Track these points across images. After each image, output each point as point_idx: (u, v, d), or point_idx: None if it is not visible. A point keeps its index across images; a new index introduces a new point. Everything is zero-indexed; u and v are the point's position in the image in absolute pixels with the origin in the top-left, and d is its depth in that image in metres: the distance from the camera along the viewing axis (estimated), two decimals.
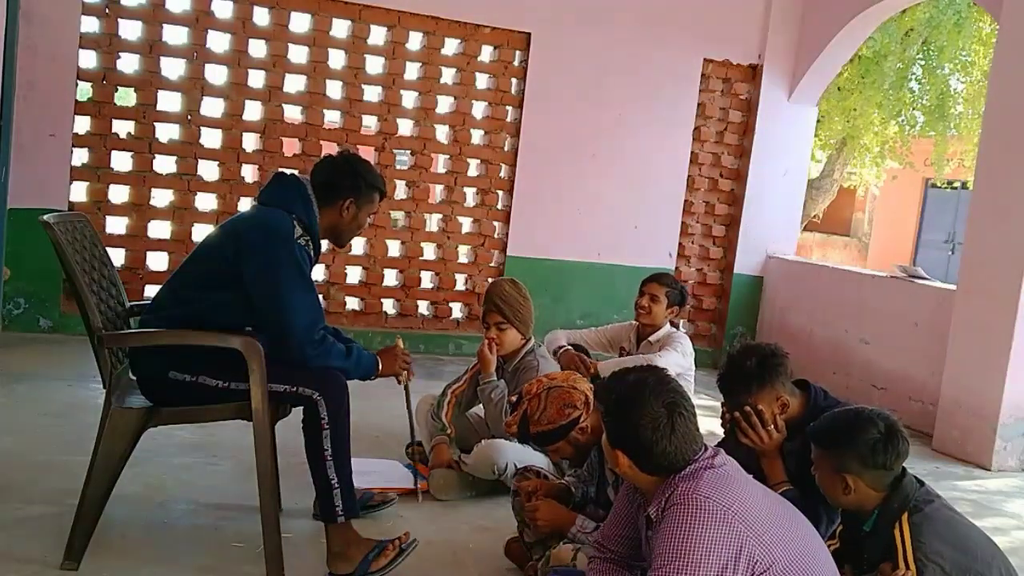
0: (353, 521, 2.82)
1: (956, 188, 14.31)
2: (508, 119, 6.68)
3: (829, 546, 2.33)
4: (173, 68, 5.95)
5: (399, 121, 6.46)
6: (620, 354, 4.42)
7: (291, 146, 6.30)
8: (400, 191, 6.66)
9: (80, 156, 5.81)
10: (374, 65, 6.36)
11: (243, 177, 6.18)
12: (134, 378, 2.86)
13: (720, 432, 2.84)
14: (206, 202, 6.20)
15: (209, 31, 5.96)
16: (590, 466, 3.01)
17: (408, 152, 6.59)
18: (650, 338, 4.29)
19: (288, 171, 3.10)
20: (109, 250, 3.18)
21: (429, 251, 6.71)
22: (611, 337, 4.54)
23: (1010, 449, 5.06)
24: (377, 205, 3.10)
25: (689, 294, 4.49)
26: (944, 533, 2.20)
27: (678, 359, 4.18)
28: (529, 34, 6.55)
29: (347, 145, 6.33)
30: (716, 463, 2.03)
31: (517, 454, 3.50)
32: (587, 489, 3.00)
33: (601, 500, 2.89)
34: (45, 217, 2.67)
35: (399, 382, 3.10)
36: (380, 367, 2.95)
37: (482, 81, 6.65)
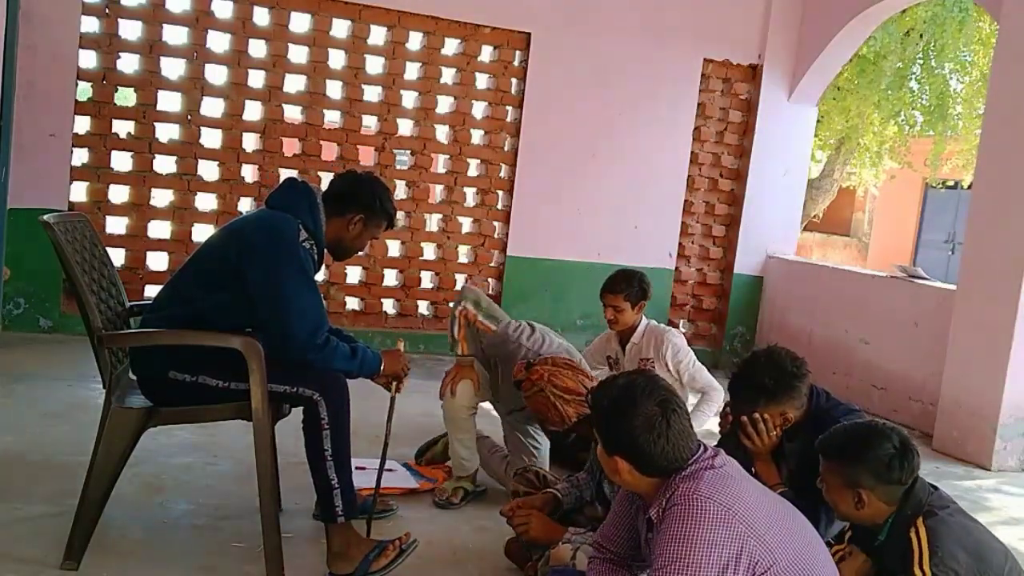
0: (353, 521, 2.82)
1: (955, 188, 14.29)
2: (508, 119, 6.68)
3: (835, 552, 2.33)
4: (173, 68, 5.95)
5: (399, 121, 6.46)
6: (608, 364, 4.38)
7: (291, 146, 6.30)
8: (400, 191, 6.65)
9: (80, 156, 5.81)
10: (374, 65, 6.36)
11: (243, 177, 6.18)
12: (134, 378, 2.86)
13: (716, 430, 2.85)
14: (206, 202, 6.20)
15: (209, 31, 5.96)
16: (590, 466, 3.01)
17: (408, 152, 6.59)
18: (633, 339, 4.24)
19: (299, 178, 3.11)
20: (109, 250, 3.18)
21: (429, 251, 6.71)
22: (595, 353, 4.47)
23: (1010, 449, 5.06)
24: (381, 231, 3.13)
25: (649, 282, 4.25)
26: (961, 538, 2.18)
27: (698, 366, 4.20)
28: (529, 34, 6.55)
29: (346, 145, 6.35)
30: (716, 463, 2.02)
31: None
32: (580, 493, 3.00)
33: (600, 498, 2.90)
34: (45, 217, 2.67)
35: (390, 391, 3.08)
36: (383, 367, 2.95)
37: (482, 81, 6.65)
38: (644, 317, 4.28)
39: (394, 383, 3.06)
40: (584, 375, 3.25)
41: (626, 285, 4.16)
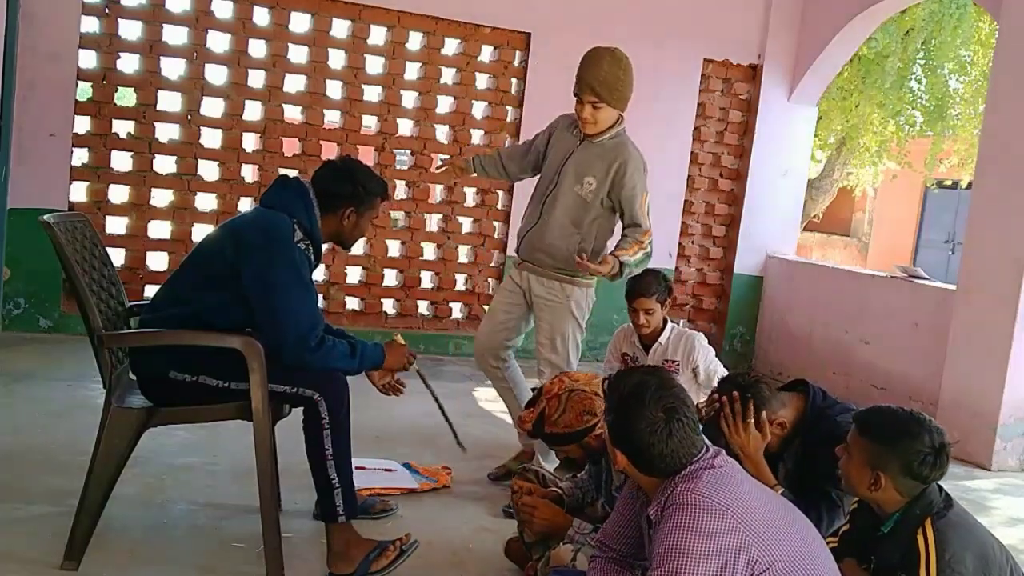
0: (353, 522, 2.82)
1: (953, 187, 14.28)
2: (508, 119, 6.68)
3: (828, 544, 2.33)
4: (173, 68, 5.95)
5: (399, 121, 6.46)
6: (623, 360, 4.26)
7: (291, 146, 6.30)
8: (400, 191, 6.65)
9: (80, 156, 5.81)
10: (374, 65, 6.36)
11: (243, 177, 6.18)
12: (134, 378, 2.86)
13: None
14: (206, 202, 6.20)
15: (209, 31, 5.96)
16: (591, 467, 3.01)
17: (408, 152, 6.58)
18: (660, 340, 4.10)
19: (292, 174, 3.09)
20: (109, 250, 3.18)
21: (429, 251, 6.71)
22: (611, 349, 4.36)
23: (1010, 449, 5.06)
24: (379, 208, 3.09)
25: (670, 279, 4.15)
26: (967, 540, 2.16)
27: (721, 372, 4.06)
28: (529, 34, 6.55)
29: (347, 145, 6.34)
30: (716, 463, 2.03)
31: None
32: (583, 494, 2.99)
33: (606, 497, 2.89)
34: (45, 217, 2.67)
35: (407, 369, 3.04)
36: (387, 361, 2.94)
37: (482, 81, 6.65)
38: (668, 318, 4.17)
39: (415, 364, 3.04)
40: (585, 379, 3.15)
41: (656, 285, 4.03)
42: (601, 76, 3.56)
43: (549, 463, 3.79)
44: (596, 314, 7.08)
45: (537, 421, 2.87)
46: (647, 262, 3.83)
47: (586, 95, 3.60)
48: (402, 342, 3.08)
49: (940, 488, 2.28)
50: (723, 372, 4.06)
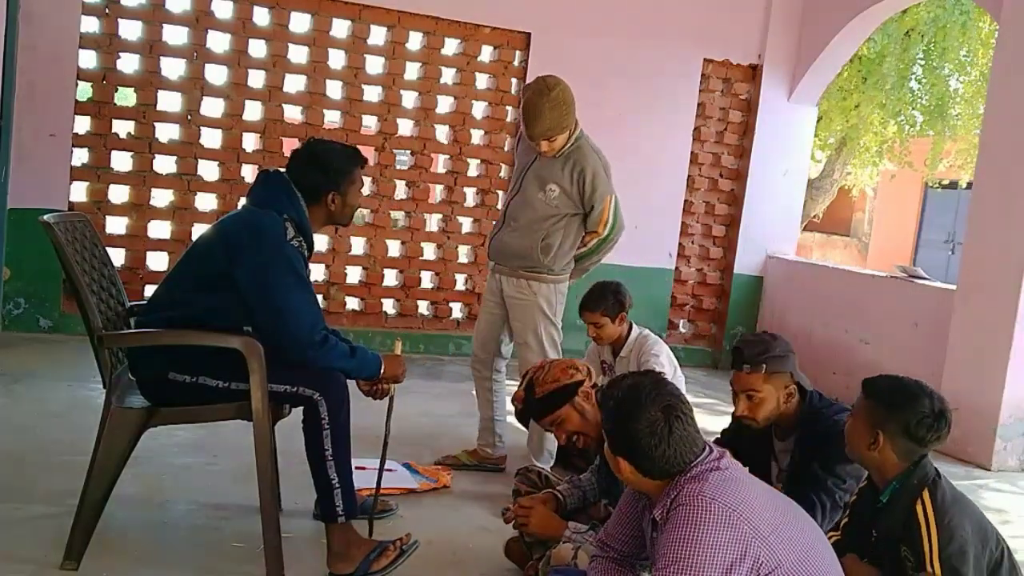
0: (353, 522, 2.82)
1: (953, 187, 14.26)
2: (508, 119, 6.68)
3: (830, 538, 2.34)
4: (173, 68, 5.95)
5: (399, 121, 6.46)
6: (603, 369, 4.26)
7: (291, 146, 6.21)
8: (400, 191, 6.65)
9: (80, 156, 5.81)
10: (374, 65, 6.36)
11: (243, 177, 6.16)
12: (134, 378, 2.86)
13: (714, 430, 2.85)
14: (206, 202, 6.20)
15: (209, 31, 5.96)
16: (595, 467, 3.01)
17: (408, 152, 6.58)
18: (622, 353, 4.12)
19: (273, 169, 3.07)
20: (109, 250, 3.17)
21: (429, 251, 6.70)
22: (590, 358, 4.34)
23: (1010, 449, 5.06)
24: (361, 178, 3.06)
25: (625, 292, 4.11)
26: (965, 509, 2.25)
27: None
28: (529, 34, 6.55)
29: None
30: (722, 465, 2.03)
31: None
32: (584, 495, 2.99)
33: (610, 498, 2.89)
34: (45, 217, 2.67)
35: (376, 398, 3.01)
36: (384, 369, 2.94)
37: (482, 81, 6.65)
38: (635, 327, 4.14)
39: (393, 385, 3.04)
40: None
41: (601, 300, 4.05)
42: (546, 125, 3.76)
43: (543, 463, 3.79)
44: None
45: (527, 387, 2.90)
46: (604, 246, 4.00)
47: (538, 140, 3.81)
48: (399, 353, 3.07)
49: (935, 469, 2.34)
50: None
